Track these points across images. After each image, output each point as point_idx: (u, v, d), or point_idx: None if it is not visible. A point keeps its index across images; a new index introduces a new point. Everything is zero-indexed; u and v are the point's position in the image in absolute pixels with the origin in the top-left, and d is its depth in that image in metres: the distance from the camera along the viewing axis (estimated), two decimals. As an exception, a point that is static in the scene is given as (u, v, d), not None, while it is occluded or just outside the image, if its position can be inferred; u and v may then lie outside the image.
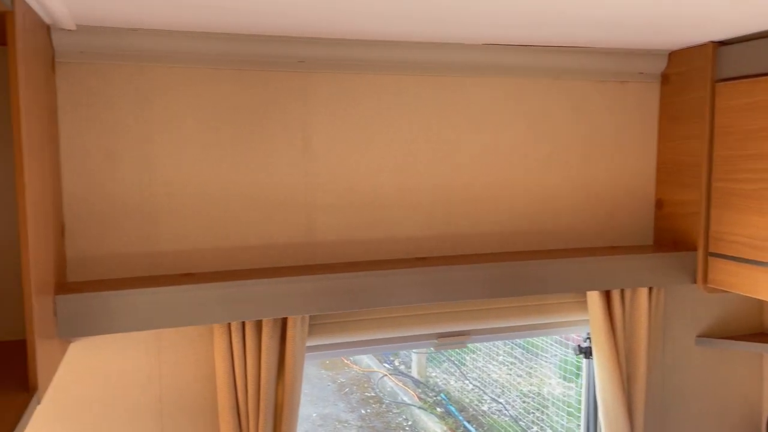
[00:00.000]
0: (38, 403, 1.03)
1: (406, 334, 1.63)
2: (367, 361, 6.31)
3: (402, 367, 6.26)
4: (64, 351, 1.29)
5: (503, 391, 5.30)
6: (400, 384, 5.89)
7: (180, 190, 1.42)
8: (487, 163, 1.64)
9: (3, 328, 1.30)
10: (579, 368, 3.46)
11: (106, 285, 1.31)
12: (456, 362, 5.89)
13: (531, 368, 5.07)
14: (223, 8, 1.17)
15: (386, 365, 6.30)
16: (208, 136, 1.43)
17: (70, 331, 1.23)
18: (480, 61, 1.58)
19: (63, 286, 1.29)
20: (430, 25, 1.34)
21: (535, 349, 4.94)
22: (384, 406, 5.66)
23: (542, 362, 4.93)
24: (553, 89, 1.68)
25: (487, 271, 1.50)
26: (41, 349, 1.05)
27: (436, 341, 1.67)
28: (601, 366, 1.69)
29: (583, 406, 1.92)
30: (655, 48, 1.67)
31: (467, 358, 5.73)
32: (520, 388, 5.14)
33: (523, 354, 5.19)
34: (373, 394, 5.86)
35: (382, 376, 6.07)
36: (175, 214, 1.42)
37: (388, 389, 5.91)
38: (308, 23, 1.30)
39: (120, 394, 1.43)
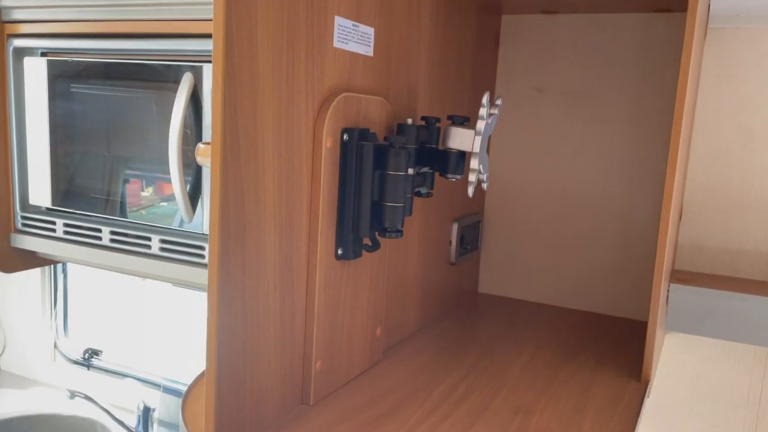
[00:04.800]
0: (647, 396, 0.96)
1: None
2: None
3: None
4: (662, 344, 1.22)
5: None
6: None
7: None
8: None
9: (602, 303, 1.32)
10: None
11: (718, 282, 1.15)
12: None
13: None
14: None
15: None
16: None
17: (675, 323, 1.14)
18: None
19: (673, 273, 1.20)
20: None
21: None
22: None
23: None
24: None
25: None
26: (656, 339, 0.98)
27: None
28: None
29: None
30: None
31: None
32: None
33: None
34: None
35: None
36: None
37: None
38: None
39: (708, 402, 1.27)
